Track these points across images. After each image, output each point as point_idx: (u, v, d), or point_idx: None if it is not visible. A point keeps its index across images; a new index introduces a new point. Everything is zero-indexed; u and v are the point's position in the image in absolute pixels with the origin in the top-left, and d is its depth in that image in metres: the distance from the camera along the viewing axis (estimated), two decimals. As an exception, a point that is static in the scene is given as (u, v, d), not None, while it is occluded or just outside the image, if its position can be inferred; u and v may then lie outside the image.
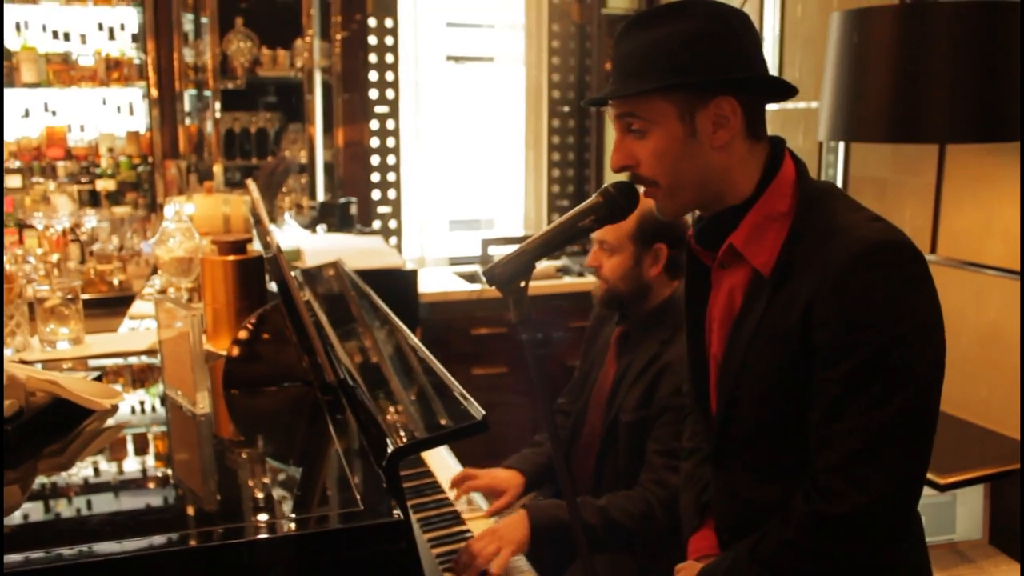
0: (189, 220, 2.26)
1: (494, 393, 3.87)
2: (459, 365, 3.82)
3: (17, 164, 3.80)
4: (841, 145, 2.98)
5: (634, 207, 1.27)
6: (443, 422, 1.35)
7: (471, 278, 4.10)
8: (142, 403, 1.63)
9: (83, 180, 3.88)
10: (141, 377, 1.78)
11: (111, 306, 3.09)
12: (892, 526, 1.18)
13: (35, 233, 3.40)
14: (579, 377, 2.29)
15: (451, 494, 2.07)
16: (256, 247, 1.92)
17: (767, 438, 1.26)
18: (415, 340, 1.73)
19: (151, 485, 1.29)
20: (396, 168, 4.42)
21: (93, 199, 3.87)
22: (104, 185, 3.87)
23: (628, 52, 1.22)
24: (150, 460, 1.39)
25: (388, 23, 4.28)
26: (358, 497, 1.15)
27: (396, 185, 4.43)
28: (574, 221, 1.26)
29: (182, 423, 1.51)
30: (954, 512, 2.41)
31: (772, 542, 1.23)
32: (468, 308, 3.91)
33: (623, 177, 1.29)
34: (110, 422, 1.47)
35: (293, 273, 2.40)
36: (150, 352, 1.87)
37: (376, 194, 4.40)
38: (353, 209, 3.96)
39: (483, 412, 1.26)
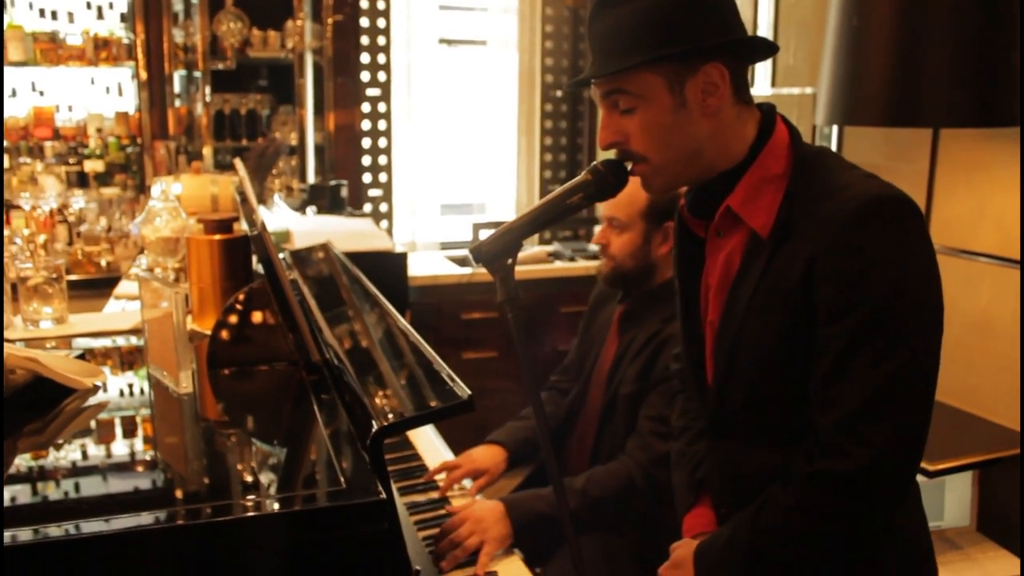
0: (176, 200, 2.23)
1: (484, 378, 3.86)
2: (449, 349, 3.80)
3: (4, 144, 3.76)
4: (835, 131, 2.97)
5: (623, 185, 1.25)
6: (429, 402, 1.34)
7: (462, 262, 4.08)
8: (130, 386, 1.61)
9: (71, 161, 3.84)
10: (129, 359, 1.75)
11: (98, 287, 3.05)
12: (896, 484, 1.17)
13: (22, 214, 3.36)
14: (576, 357, 2.28)
15: (438, 478, 2.06)
16: (243, 226, 1.89)
17: (766, 404, 1.25)
18: (403, 322, 1.72)
19: (133, 464, 1.27)
20: (387, 151, 4.39)
21: (81, 180, 3.84)
22: (92, 166, 3.83)
23: (607, 29, 1.20)
24: (132, 439, 1.37)
25: (380, 5, 4.25)
26: (341, 476, 1.13)
27: (387, 168, 4.41)
28: (562, 199, 1.25)
29: (165, 402, 1.49)
30: (943, 499, 2.41)
31: (774, 509, 1.22)
32: (459, 292, 3.89)
33: (612, 155, 1.27)
34: (92, 401, 1.45)
35: (282, 255, 2.38)
36: (135, 331, 1.85)
37: (367, 177, 4.37)
38: (344, 192, 3.93)
39: (469, 392, 1.24)
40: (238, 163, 1.94)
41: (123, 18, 3.89)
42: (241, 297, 1.62)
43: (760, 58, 1.30)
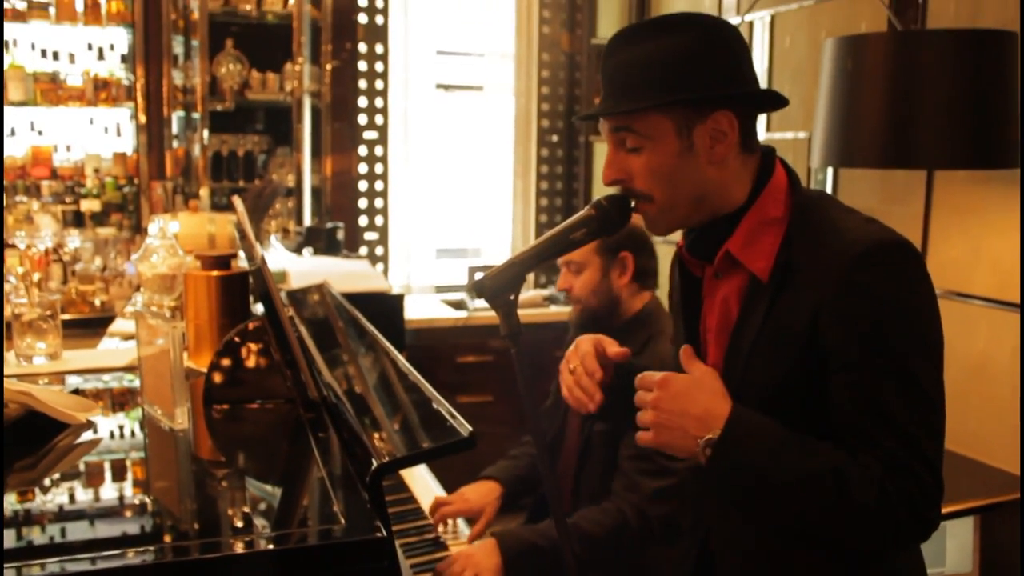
0: (173, 237, 2.23)
1: (479, 422, 3.77)
2: (444, 393, 3.68)
3: (1, 183, 3.76)
4: (829, 175, 2.99)
5: (627, 220, 1.25)
6: (429, 439, 1.32)
7: (457, 305, 4.07)
8: (121, 427, 1.58)
9: (67, 200, 3.84)
10: (120, 400, 1.72)
11: (92, 327, 3.03)
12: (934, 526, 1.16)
13: (16, 252, 3.35)
14: (554, 400, 2.28)
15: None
16: (241, 264, 1.89)
17: None
18: (402, 360, 1.70)
19: (124, 503, 1.25)
20: (384, 195, 4.41)
21: (77, 219, 3.83)
22: (89, 206, 3.83)
23: (622, 66, 1.20)
24: (124, 477, 1.34)
25: (379, 49, 4.30)
26: (340, 515, 1.11)
27: (384, 212, 4.42)
28: (566, 233, 1.24)
29: (159, 439, 1.47)
30: (944, 545, 2.38)
31: (858, 467, 1.12)
32: (454, 335, 3.87)
33: (613, 191, 1.27)
34: (85, 437, 1.43)
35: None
36: (130, 368, 1.82)
37: (363, 220, 4.38)
38: (340, 234, 3.93)
39: (470, 428, 1.24)
40: (236, 201, 1.94)
41: (123, 59, 3.93)
42: (238, 333, 1.60)
43: (770, 109, 1.31)
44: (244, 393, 1.59)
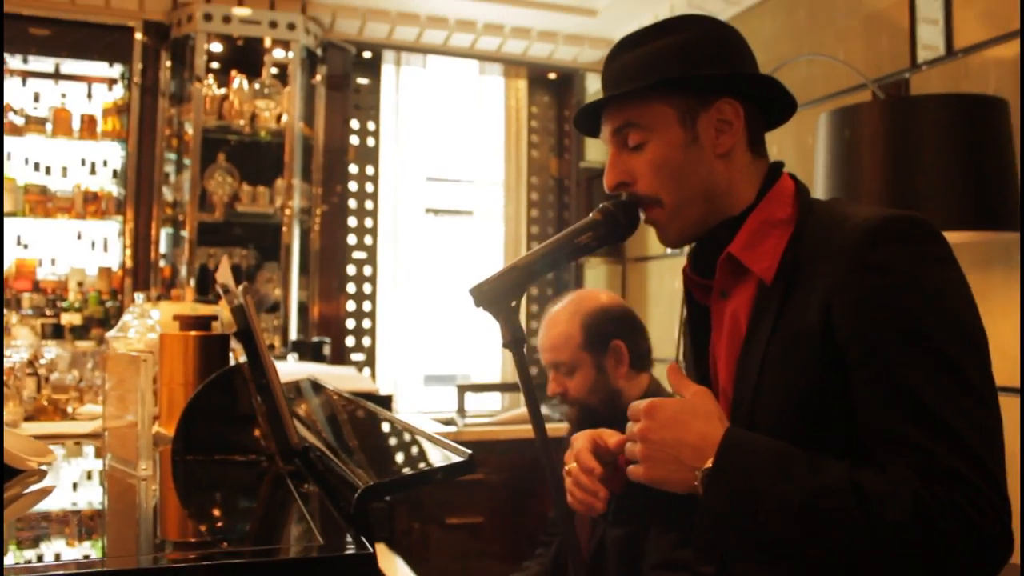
0: (151, 318, 2.13)
1: (470, 543, 3.60)
2: (432, 512, 3.57)
3: (-20, 295, 3.67)
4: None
5: (634, 226, 1.18)
6: (421, 466, 1.19)
7: (447, 422, 3.92)
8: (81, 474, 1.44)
9: (48, 313, 3.74)
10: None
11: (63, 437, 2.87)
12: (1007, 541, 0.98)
13: (-11, 363, 3.22)
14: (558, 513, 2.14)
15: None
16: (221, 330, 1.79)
17: None
18: (392, 415, 1.58)
19: (77, 539, 1.10)
20: (372, 315, 4.35)
21: (56, 332, 3.72)
22: (69, 319, 3.73)
23: (622, 65, 1.17)
24: (81, 524, 1.20)
25: (369, 170, 4.35)
26: (318, 535, 0.98)
27: (371, 332, 4.34)
28: (571, 237, 1.17)
29: (119, 486, 1.32)
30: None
31: (885, 479, 0.95)
32: (443, 452, 3.70)
33: None
34: (35, 486, 1.29)
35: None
36: (94, 435, 1.69)
37: (351, 340, 4.29)
38: (327, 349, 3.83)
39: (469, 452, 1.11)
40: (223, 260, 1.86)
41: (115, 174, 3.93)
42: (208, 386, 1.49)
43: (777, 117, 1.24)
44: (218, 447, 1.46)
